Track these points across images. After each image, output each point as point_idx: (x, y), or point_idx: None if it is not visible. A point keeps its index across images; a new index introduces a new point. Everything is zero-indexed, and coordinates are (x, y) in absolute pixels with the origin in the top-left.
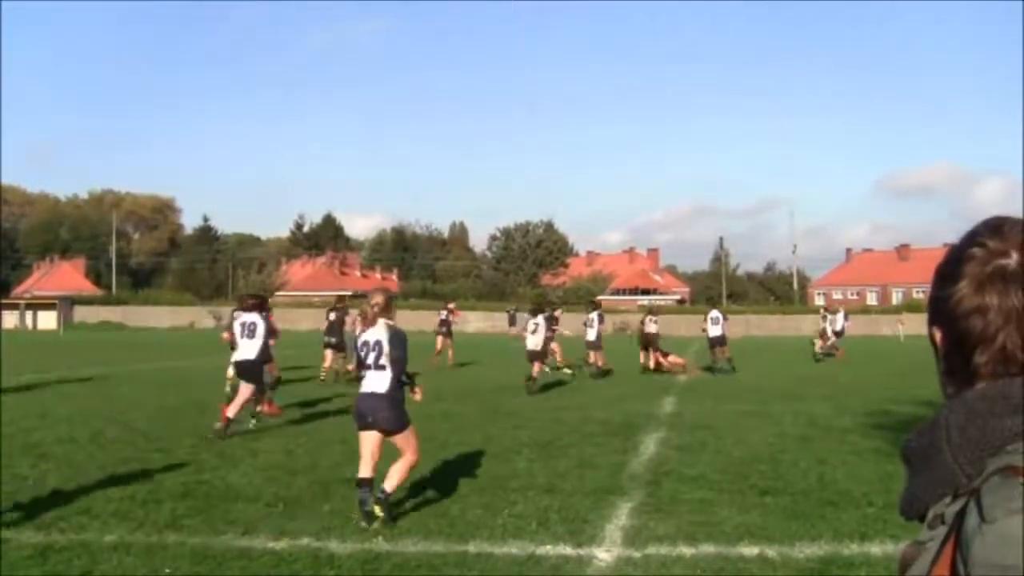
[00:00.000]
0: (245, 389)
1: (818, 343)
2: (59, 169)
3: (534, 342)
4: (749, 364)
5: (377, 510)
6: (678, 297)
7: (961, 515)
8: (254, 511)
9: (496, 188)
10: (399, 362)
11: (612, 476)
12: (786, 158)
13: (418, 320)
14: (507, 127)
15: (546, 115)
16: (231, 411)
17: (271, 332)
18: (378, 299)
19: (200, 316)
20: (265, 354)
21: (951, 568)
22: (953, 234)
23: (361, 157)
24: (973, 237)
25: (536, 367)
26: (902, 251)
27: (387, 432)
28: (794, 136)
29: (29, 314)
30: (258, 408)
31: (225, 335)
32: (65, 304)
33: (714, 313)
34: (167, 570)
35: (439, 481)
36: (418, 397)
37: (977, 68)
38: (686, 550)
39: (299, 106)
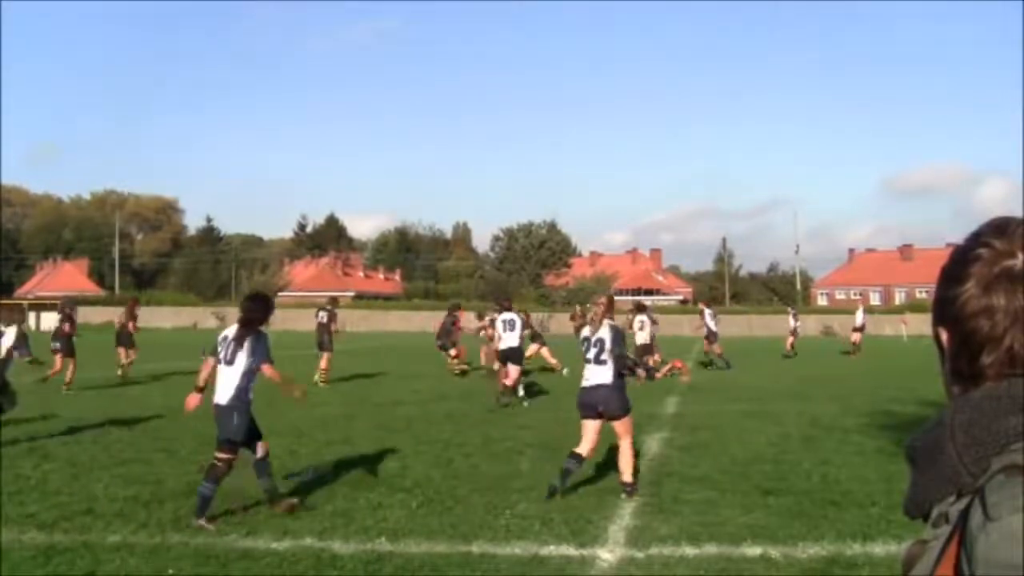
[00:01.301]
0: (513, 370)
1: (789, 340)
2: (62, 170)
3: (642, 338)
4: (751, 364)
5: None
6: (680, 297)
7: (965, 514)
8: (257, 511)
9: (499, 189)
10: (621, 357)
11: (615, 476)
12: (789, 159)
13: (421, 321)
14: (510, 127)
15: (549, 116)
16: (509, 381)
17: (525, 325)
18: (603, 301)
19: (203, 317)
20: (522, 343)
21: (955, 567)
22: (956, 235)
23: (364, 158)
24: (978, 238)
25: (652, 359)
26: (905, 251)
27: (614, 418)
28: (797, 137)
29: (32, 315)
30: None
31: (486, 331)
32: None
33: (709, 310)
34: (170, 571)
35: (442, 481)
36: (640, 380)
37: (979, 68)
38: (689, 550)
39: (301, 107)
